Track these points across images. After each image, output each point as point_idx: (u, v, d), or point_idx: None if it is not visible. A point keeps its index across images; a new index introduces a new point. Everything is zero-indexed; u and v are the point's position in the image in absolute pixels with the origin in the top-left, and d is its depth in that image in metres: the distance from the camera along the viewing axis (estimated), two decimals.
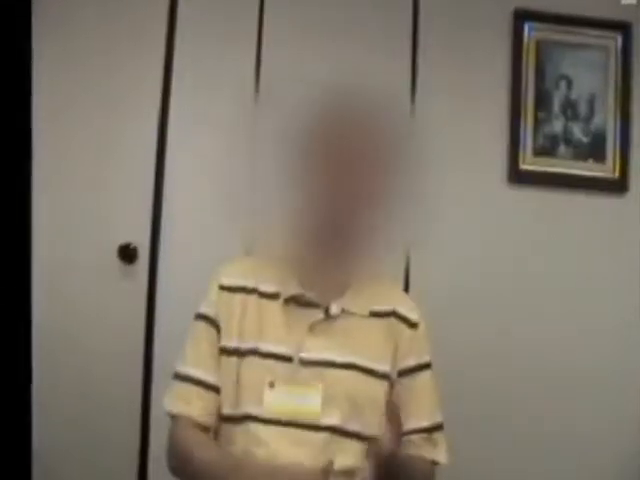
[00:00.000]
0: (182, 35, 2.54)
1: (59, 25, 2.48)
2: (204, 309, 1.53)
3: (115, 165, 2.50)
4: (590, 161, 2.69)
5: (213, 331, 1.51)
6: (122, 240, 2.48)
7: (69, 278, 2.45)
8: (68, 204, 2.48)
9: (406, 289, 2.41)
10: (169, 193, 2.51)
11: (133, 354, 2.44)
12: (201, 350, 1.50)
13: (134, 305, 2.47)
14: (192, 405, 1.48)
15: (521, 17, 2.69)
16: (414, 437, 1.51)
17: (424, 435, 1.51)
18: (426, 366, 1.56)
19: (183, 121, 2.52)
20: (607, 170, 2.69)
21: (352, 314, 1.50)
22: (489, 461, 2.48)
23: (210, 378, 1.49)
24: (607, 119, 2.70)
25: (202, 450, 1.44)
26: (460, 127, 2.59)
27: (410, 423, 1.50)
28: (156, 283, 2.49)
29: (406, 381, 1.53)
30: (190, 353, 1.52)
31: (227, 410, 1.48)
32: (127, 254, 2.48)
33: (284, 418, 1.42)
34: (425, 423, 1.53)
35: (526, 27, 2.69)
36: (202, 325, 1.52)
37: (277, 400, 1.43)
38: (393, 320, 1.53)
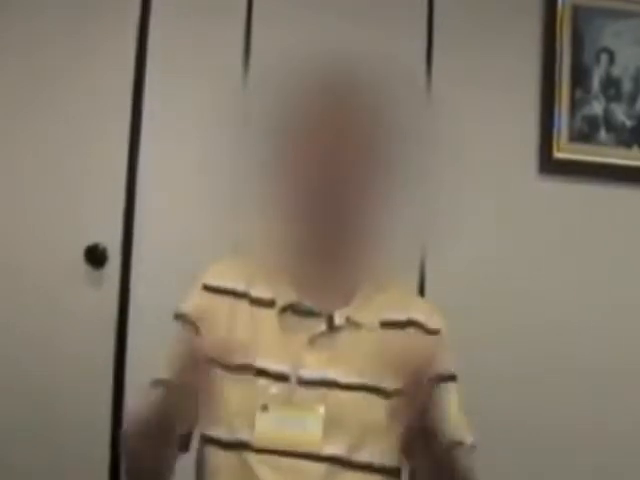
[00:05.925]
0: (158, 12, 2.48)
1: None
2: (182, 308, 1.45)
3: (82, 156, 2.45)
4: (634, 148, 2.63)
5: (191, 331, 1.43)
6: (89, 241, 2.42)
7: (29, 284, 2.40)
8: (27, 201, 2.43)
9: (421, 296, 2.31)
10: (143, 187, 2.47)
11: (102, 367, 2.39)
12: (173, 353, 1.43)
13: (103, 314, 2.41)
14: None
15: None
16: None
17: None
18: (449, 378, 1.45)
19: (160, 108, 2.48)
20: None
21: (359, 325, 1.42)
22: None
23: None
24: None
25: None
26: (484, 109, 2.53)
27: None
28: (128, 289, 2.44)
29: None
30: (162, 359, 1.43)
31: (215, 433, 1.39)
32: (95, 256, 2.42)
33: (279, 446, 1.35)
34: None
35: None
36: (178, 326, 1.45)
37: (271, 426, 1.35)
38: (410, 331, 1.44)
